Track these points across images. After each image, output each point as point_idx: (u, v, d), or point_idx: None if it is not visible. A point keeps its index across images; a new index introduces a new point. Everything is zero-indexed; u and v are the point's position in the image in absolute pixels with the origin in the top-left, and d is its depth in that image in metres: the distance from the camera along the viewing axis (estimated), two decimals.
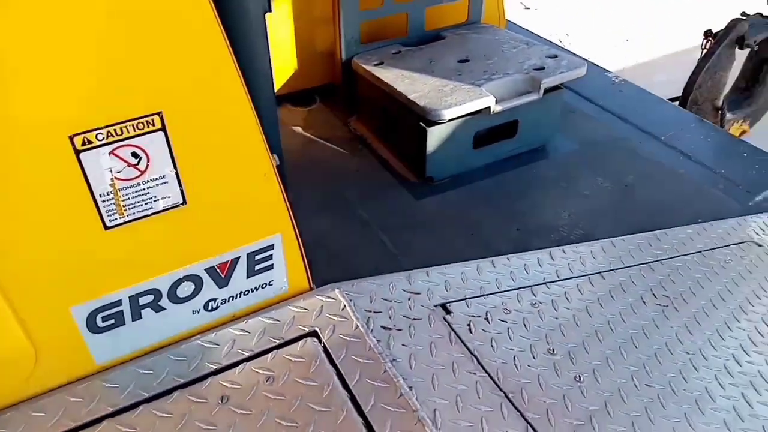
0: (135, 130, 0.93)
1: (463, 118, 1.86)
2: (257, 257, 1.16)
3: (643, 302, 1.26)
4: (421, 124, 1.84)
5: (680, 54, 6.13)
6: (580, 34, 6.52)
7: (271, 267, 1.18)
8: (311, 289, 1.28)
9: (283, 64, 2.37)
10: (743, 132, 2.96)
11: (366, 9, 2.16)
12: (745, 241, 1.53)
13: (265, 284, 1.19)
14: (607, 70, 2.60)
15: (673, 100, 2.91)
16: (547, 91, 1.93)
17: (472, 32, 2.29)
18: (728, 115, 2.81)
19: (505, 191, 1.94)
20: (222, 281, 1.14)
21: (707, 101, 2.72)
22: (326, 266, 1.62)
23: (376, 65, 2.10)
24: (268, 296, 1.22)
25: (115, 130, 0.92)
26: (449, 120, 1.82)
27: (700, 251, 1.47)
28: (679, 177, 1.97)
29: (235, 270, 1.13)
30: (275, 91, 2.38)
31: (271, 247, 1.17)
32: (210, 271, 1.11)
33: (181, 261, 1.09)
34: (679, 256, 1.44)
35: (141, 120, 0.93)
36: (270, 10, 1.56)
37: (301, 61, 2.39)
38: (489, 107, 1.85)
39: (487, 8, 2.40)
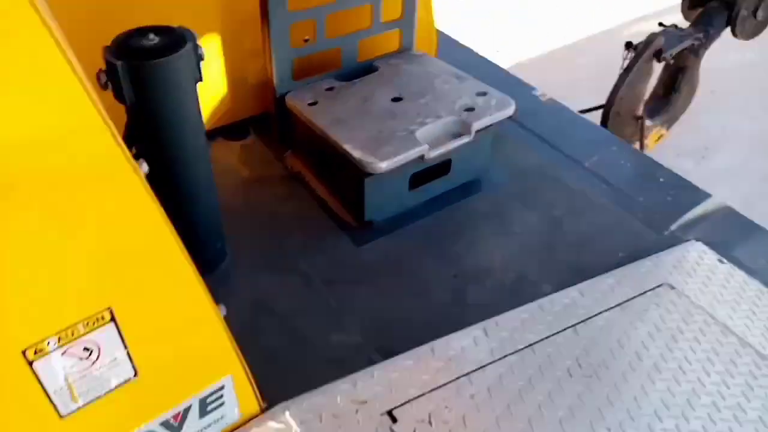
0: (86, 329, 0.94)
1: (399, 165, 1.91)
2: (208, 400, 1.20)
3: (570, 375, 1.36)
4: (358, 172, 1.87)
5: (604, 34, 6.34)
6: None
7: (222, 404, 1.22)
8: (262, 411, 1.33)
9: (215, 96, 2.32)
10: (661, 136, 3.14)
11: (297, 46, 2.13)
12: (661, 285, 1.66)
13: (218, 419, 1.24)
14: (534, 87, 2.68)
15: (596, 108, 3.05)
16: (479, 131, 1.99)
17: (404, 62, 2.31)
18: (648, 122, 2.97)
19: (441, 232, 2.01)
20: (175, 429, 1.17)
21: (628, 112, 2.87)
22: (275, 334, 1.66)
23: (310, 105, 2.09)
24: (220, 428, 1.26)
25: (66, 333, 0.92)
26: (385, 171, 1.85)
27: (620, 303, 1.59)
28: (602, 208, 2.09)
29: (188, 416, 1.17)
30: (209, 126, 2.36)
31: (222, 387, 1.21)
32: (164, 423, 1.15)
33: (136, 423, 1.12)
34: (601, 312, 1.56)
35: (91, 318, 0.94)
36: (201, 80, 1.54)
37: (233, 93, 2.35)
38: (423, 155, 1.89)
39: (419, 33, 2.41)
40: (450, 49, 2.85)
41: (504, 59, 5.89)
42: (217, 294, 1.75)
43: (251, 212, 2.09)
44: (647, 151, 3.04)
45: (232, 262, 1.91)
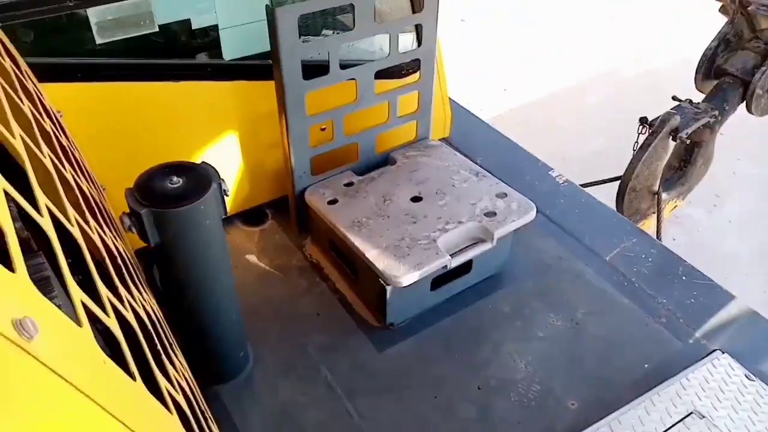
0: None
1: None
2: None
3: None
4: (381, 282, 1.86)
5: (611, 73, 6.35)
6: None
7: None
8: None
9: (232, 182, 2.32)
10: (676, 206, 3.14)
11: (316, 145, 2.13)
12: (690, 414, 1.65)
13: None
14: (551, 168, 2.67)
15: (612, 180, 3.04)
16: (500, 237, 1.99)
17: (421, 154, 2.31)
18: (664, 196, 2.97)
19: (463, 334, 2.00)
20: None
21: (645, 188, 2.86)
22: None
23: (330, 204, 2.09)
24: None
25: None
26: (408, 284, 1.85)
27: None
28: (625, 309, 2.07)
29: None
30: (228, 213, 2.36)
31: None
32: None
33: None
34: None
35: None
36: (226, 214, 1.53)
37: (251, 179, 2.35)
38: (446, 264, 1.88)
39: (434, 119, 2.41)
40: (463, 120, 2.85)
41: (512, 99, 5.97)
42: (241, 402, 1.76)
43: (271, 309, 2.09)
44: (664, 223, 3.03)
45: (254, 368, 1.90)
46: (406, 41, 2.29)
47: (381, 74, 2.18)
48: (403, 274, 1.81)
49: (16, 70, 1.44)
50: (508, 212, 2.02)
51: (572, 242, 2.35)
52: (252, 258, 2.28)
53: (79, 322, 0.62)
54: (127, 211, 1.39)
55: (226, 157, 2.21)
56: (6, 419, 0.44)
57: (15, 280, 0.51)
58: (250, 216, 2.44)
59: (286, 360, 1.92)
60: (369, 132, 2.24)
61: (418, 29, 2.13)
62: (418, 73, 2.25)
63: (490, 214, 2.01)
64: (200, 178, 1.45)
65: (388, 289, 1.86)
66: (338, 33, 2.26)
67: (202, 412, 1.25)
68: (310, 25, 2.28)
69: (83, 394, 0.51)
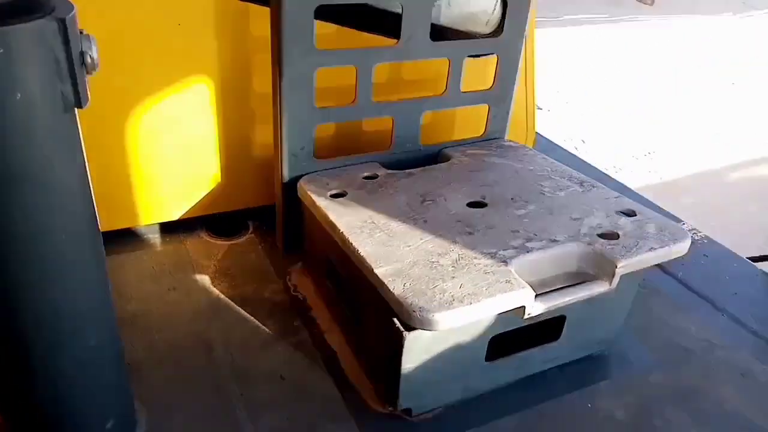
0: None
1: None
2: None
3: None
4: (396, 322, 0.99)
5: (708, 174, 5.48)
6: (597, 141, 5.88)
7: None
8: None
9: (201, 173, 1.55)
10: None
11: (326, 107, 1.35)
12: None
13: None
14: (680, 219, 1.78)
15: (755, 260, 2.10)
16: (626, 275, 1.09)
17: (491, 154, 1.49)
18: None
19: None
20: None
21: None
22: None
23: (333, 197, 1.27)
24: None
25: None
26: (446, 329, 0.96)
27: None
28: None
29: None
30: (185, 212, 1.58)
31: None
32: None
33: None
34: None
35: None
36: (81, 104, 0.74)
37: (228, 171, 1.56)
38: (523, 307, 1.00)
39: (514, 116, 1.60)
40: (548, 147, 2.04)
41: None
42: None
43: (207, 363, 1.22)
44: None
45: None
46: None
47: (441, 36, 1.43)
48: (440, 308, 0.93)
49: None
50: (641, 236, 1.13)
51: (728, 322, 1.41)
52: (203, 279, 1.44)
53: None
54: None
55: (195, 119, 1.46)
56: None
57: None
58: (222, 224, 1.64)
59: None
60: (412, 105, 1.44)
61: None
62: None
63: (609, 236, 1.13)
64: (20, 3, 0.68)
65: (408, 337, 0.98)
66: None
67: None
68: None
69: None
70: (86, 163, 0.78)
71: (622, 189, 1.91)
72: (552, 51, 7.27)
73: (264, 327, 1.31)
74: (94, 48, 0.73)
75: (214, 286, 1.42)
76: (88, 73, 0.75)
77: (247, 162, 1.57)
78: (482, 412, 1.13)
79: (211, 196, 1.57)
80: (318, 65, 1.28)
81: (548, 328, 1.15)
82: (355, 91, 1.36)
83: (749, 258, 2.05)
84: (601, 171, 2.07)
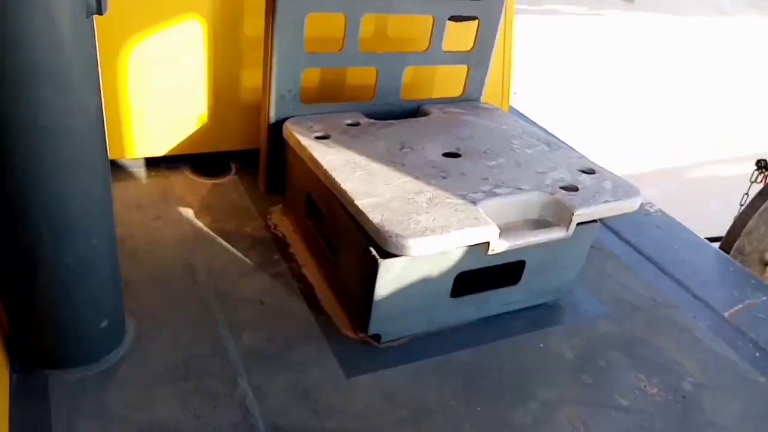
0: None
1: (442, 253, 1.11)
2: None
3: None
4: (372, 250, 1.07)
5: (671, 170, 5.70)
6: (563, 133, 6.05)
7: None
8: None
9: (188, 112, 1.60)
10: None
11: (314, 51, 1.42)
12: None
13: None
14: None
15: (711, 240, 2.25)
16: (581, 223, 1.20)
17: (468, 113, 1.58)
18: None
19: (494, 378, 1.17)
20: None
21: (756, 251, 2.07)
22: None
23: (318, 139, 1.34)
24: None
25: None
26: (417, 255, 1.05)
27: None
28: (758, 390, 1.24)
29: None
30: (170, 149, 1.63)
31: None
32: None
33: None
34: None
35: None
36: (101, 11, 0.79)
37: (215, 112, 1.62)
38: (488, 242, 1.09)
39: (489, 84, 1.69)
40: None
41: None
42: (79, 413, 0.94)
43: (188, 279, 1.29)
44: None
45: (128, 354, 1.08)
46: None
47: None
48: (414, 234, 1.02)
49: None
50: (598, 191, 1.24)
51: (672, 285, 1.54)
52: (186, 212, 1.50)
53: None
54: None
55: (183, 57, 1.51)
56: None
57: None
58: (205, 164, 1.70)
59: (185, 358, 1.10)
60: (395, 58, 1.52)
61: None
62: None
63: (570, 189, 1.23)
64: None
65: (382, 266, 1.07)
66: None
67: None
68: None
69: None
70: (99, 69, 0.84)
71: None
72: (530, 39, 7.38)
73: (245, 258, 1.38)
74: None
75: (198, 219, 1.48)
76: None
77: (235, 105, 1.62)
78: (444, 343, 1.23)
79: (197, 136, 1.63)
80: (309, 10, 1.35)
81: (509, 273, 1.26)
82: (343, 39, 1.42)
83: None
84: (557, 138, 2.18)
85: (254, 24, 1.46)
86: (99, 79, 0.84)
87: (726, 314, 1.46)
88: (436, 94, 1.66)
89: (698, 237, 1.79)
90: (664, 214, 1.85)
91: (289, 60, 1.38)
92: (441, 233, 1.03)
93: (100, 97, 0.85)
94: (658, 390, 1.20)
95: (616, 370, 1.24)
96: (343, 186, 1.15)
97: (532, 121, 2.31)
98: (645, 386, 1.21)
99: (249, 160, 1.68)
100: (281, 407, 1.04)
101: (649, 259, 1.62)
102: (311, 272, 1.36)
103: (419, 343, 1.22)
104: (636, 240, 1.68)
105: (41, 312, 0.96)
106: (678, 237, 1.76)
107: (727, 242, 2.04)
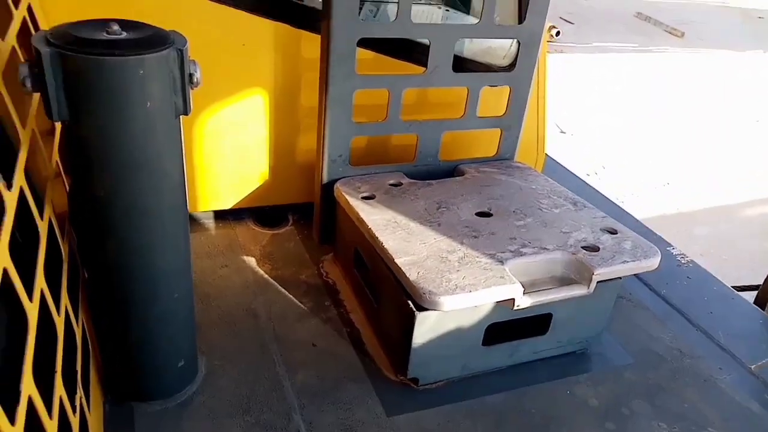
0: None
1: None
2: None
3: None
4: (410, 303, 1.22)
5: (723, 209, 5.61)
6: (617, 168, 6.05)
7: None
8: None
9: (252, 170, 1.81)
10: None
11: (362, 122, 1.60)
12: None
13: None
14: (670, 245, 1.99)
15: (741, 289, 2.28)
16: (602, 281, 1.32)
17: (500, 172, 1.72)
18: None
19: (522, 422, 1.28)
20: None
21: None
22: None
23: (364, 199, 1.52)
24: None
25: None
26: (450, 310, 1.20)
27: None
28: None
29: None
30: (236, 203, 1.83)
31: None
32: None
33: None
34: None
35: None
36: (187, 112, 0.99)
37: (276, 170, 1.82)
38: (513, 299, 1.23)
39: (523, 139, 1.83)
40: (554, 170, 2.26)
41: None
42: None
43: (252, 322, 1.47)
44: None
45: (198, 392, 1.26)
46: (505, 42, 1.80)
47: (462, 67, 1.67)
48: (445, 292, 1.17)
49: None
50: (618, 251, 1.36)
51: (699, 336, 1.62)
52: (249, 260, 1.70)
53: None
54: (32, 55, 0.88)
55: (249, 126, 1.72)
56: None
57: None
58: (266, 216, 1.90)
59: (248, 394, 1.27)
60: (434, 125, 1.69)
61: (522, 1, 1.63)
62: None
63: (591, 249, 1.35)
64: (153, 37, 0.94)
65: (418, 317, 1.21)
66: None
67: None
68: None
69: None
70: (184, 157, 1.04)
71: (621, 214, 2.12)
72: (579, 77, 7.46)
73: (300, 304, 1.55)
74: (198, 70, 0.99)
75: (259, 267, 1.67)
76: (192, 88, 1.00)
77: (292, 164, 1.82)
78: (476, 388, 1.36)
79: (259, 191, 1.83)
80: (357, 87, 1.54)
81: (538, 324, 1.38)
82: (387, 110, 1.61)
83: (735, 287, 2.25)
84: (604, 195, 2.28)
85: (309, 96, 1.66)
86: (184, 165, 1.03)
87: (752, 366, 1.52)
88: (473, 153, 1.81)
89: (729, 288, 1.86)
90: (695, 265, 1.92)
91: (340, 130, 1.57)
92: (470, 291, 1.18)
93: (185, 179, 1.05)
94: None
95: (639, 419, 1.33)
96: (385, 245, 1.31)
97: (569, 170, 2.43)
98: None
99: (304, 212, 1.88)
100: None
101: (677, 310, 1.70)
102: (358, 317, 1.52)
103: (454, 386, 1.35)
104: (666, 291, 1.76)
105: (130, 354, 1.15)
106: (708, 288, 1.83)
107: (760, 297, 2.08)
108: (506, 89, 1.70)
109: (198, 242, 1.74)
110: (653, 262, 1.35)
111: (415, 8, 1.52)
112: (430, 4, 1.94)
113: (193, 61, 0.98)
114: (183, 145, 1.04)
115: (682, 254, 1.96)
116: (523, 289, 1.22)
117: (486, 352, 1.35)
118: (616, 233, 1.43)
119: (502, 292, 1.21)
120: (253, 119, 1.72)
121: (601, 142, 6.42)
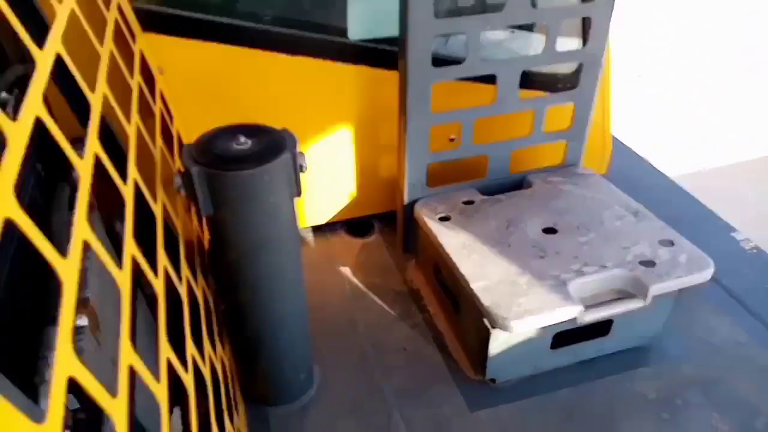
0: None
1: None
2: None
3: None
4: (486, 321, 1.46)
5: None
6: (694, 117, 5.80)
7: None
8: None
9: (343, 189, 2.06)
10: None
11: (437, 150, 1.80)
12: None
13: None
14: (734, 229, 2.08)
15: None
16: (657, 296, 1.49)
17: (566, 182, 1.87)
18: None
19: (586, 413, 1.50)
20: None
21: None
22: None
23: (441, 220, 1.73)
24: None
25: None
26: (520, 332, 1.42)
27: None
28: None
29: None
30: (331, 218, 2.10)
31: None
32: None
33: None
34: None
35: None
36: (299, 195, 1.24)
37: (362, 187, 2.07)
38: (575, 318, 1.43)
39: (589, 145, 1.96)
40: (625, 160, 2.36)
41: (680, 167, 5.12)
42: None
43: (352, 331, 1.75)
44: None
45: (315, 397, 1.57)
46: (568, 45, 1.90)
47: (528, 83, 1.81)
48: (515, 317, 1.38)
49: (120, 20, 1.31)
50: (673, 265, 1.51)
51: (759, 327, 1.75)
52: (345, 271, 1.98)
53: None
54: (182, 169, 1.16)
55: (338, 153, 1.96)
56: None
57: None
58: (356, 225, 2.16)
59: (355, 396, 1.57)
60: (503, 145, 1.86)
61: (585, 25, 1.73)
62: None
63: (648, 264, 1.52)
64: (273, 144, 1.18)
65: (493, 333, 1.45)
66: None
67: None
68: (449, 11, 1.97)
69: None
70: (298, 227, 1.30)
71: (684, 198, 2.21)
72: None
73: (390, 310, 1.82)
74: (305, 160, 1.23)
75: (354, 277, 1.95)
76: (302, 172, 1.24)
77: (375, 180, 2.06)
78: (546, 384, 1.58)
79: (349, 205, 2.09)
80: (433, 123, 1.73)
81: (600, 327, 1.57)
82: (459, 138, 1.79)
83: None
84: (670, 179, 2.37)
85: (388, 128, 1.87)
86: (299, 233, 1.29)
87: None
88: (540, 162, 1.97)
89: None
90: (759, 251, 2.01)
91: (418, 160, 1.78)
92: (537, 314, 1.39)
93: (300, 244, 1.31)
94: (729, 428, 1.47)
95: (693, 409, 1.51)
96: (462, 270, 1.54)
97: (636, 153, 2.51)
98: (718, 424, 1.48)
99: (387, 220, 2.12)
100: None
101: (738, 300, 1.83)
102: (440, 322, 1.77)
103: (527, 384, 1.59)
104: (727, 281, 1.88)
105: (263, 372, 1.47)
106: None
107: None
108: (570, 107, 1.83)
109: (303, 256, 2.03)
110: (706, 275, 1.49)
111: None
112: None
113: (302, 153, 1.22)
114: (297, 219, 1.30)
115: (746, 239, 2.05)
116: (583, 309, 1.42)
117: (554, 354, 1.57)
118: (673, 245, 1.57)
119: (566, 313, 1.41)
120: (342, 147, 1.96)
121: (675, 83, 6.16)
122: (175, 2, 1.60)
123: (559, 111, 1.87)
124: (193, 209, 1.46)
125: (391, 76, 1.74)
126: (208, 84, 1.70)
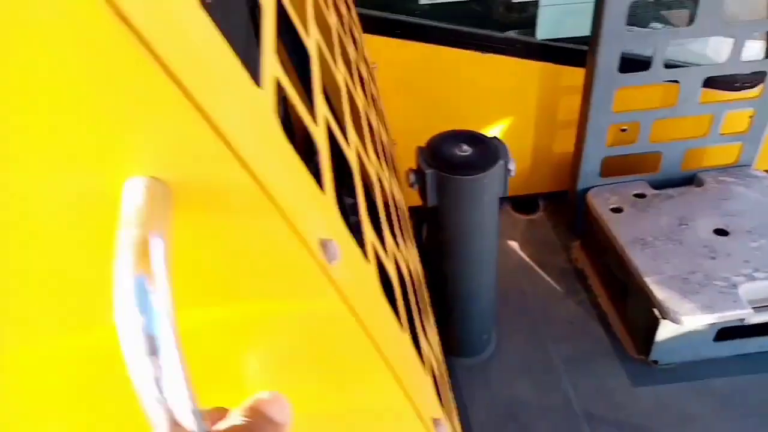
0: None
1: None
2: None
3: None
4: (656, 311, 1.65)
5: None
6: None
7: None
8: None
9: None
10: None
11: (614, 145, 1.95)
12: None
13: None
14: None
15: None
16: None
17: (739, 182, 1.96)
18: None
19: (738, 407, 1.68)
20: None
21: None
22: None
23: (612, 211, 1.91)
24: None
25: None
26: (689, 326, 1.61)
27: None
28: None
29: None
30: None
31: None
32: None
33: None
34: None
35: None
36: (505, 194, 1.49)
37: (531, 167, 2.27)
38: (743, 318, 1.59)
39: (765, 146, 2.02)
40: None
41: None
42: (472, 382, 1.74)
43: (522, 302, 2.02)
44: None
45: (494, 354, 1.87)
46: (751, 51, 1.94)
47: (707, 83, 1.89)
48: (687, 313, 1.57)
49: (349, 16, 1.57)
50: None
51: None
52: (514, 245, 2.22)
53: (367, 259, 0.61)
54: (414, 167, 1.45)
55: (515, 137, 2.16)
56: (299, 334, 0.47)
57: (324, 201, 0.50)
58: (522, 203, 2.38)
59: (527, 358, 1.84)
60: (678, 144, 1.97)
61: None
62: (756, 88, 1.89)
63: None
64: (489, 152, 1.44)
65: (662, 323, 1.64)
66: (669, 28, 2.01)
67: (445, 382, 1.26)
68: (638, 16, 2.07)
69: (361, 327, 0.48)
70: (498, 219, 1.55)
71: None
72: None
73: (557, 286, 2.05)
74: (514, 166, 1.46)
75: (522, 251, 2.19)
76: (509, 176, 1.48)
77: (544, 161, 2.25)
78: (706, 371, 1.75)
79: (517, 182, 2.30)
80: (612, 122, 1.88)
81: (764, 325, 1.70)
82: (637, 135, 1.93)
83: None
84: None
85: (562, 115, 2.03)
86: (498, 220, 1.55)
87: None
88: (712, 161, 2.05)
89: None
90: None
91: (594, 153, 1.95)
92: (707, 313, 1.56)
93: (498, 225, 1.57)
94: None
95: None
96: (634, 263, 1.72)
97: None
98: None
99: (552, 199, 2.32)
100: (590, 400, 1.72)
101: None
102: (605, 302, 1.98)
103: (687, 368, 1.77)
104: None
105: (455, 330, 1.78)
106: None
107: None
108: (749, 111, 1.90)
109: None
110: None
111: None
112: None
113: (513, 160, 1.46)
114: (498, 214, 1.55)
115: None
116: (752, 312, 1.57)
117: (715, 345, 1.74)
118: None
119: (734, 314, 1.57)
120: (518, 131, 2.16)
121: None
122: (388, 8, 1.87)
123: (736, 116, 1.94)
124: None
125: (570, 71, 1.93)
126: (408, 77, 1.96)
